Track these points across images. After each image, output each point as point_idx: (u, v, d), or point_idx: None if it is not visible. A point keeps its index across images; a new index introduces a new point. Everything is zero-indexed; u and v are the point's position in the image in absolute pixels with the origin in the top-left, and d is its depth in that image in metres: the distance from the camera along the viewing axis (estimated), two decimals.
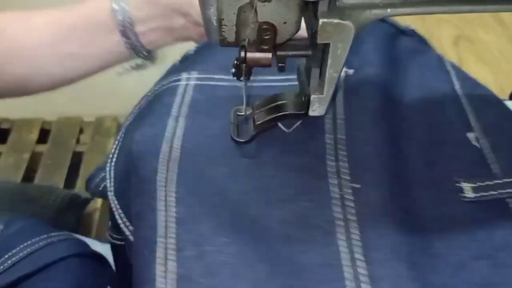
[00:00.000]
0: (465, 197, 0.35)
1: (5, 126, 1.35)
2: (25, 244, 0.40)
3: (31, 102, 0.63)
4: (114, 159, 0.42)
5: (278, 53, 0.35)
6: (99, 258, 0.46)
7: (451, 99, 0.43)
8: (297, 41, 0.35)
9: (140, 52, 0.50)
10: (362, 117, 0.40)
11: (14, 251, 0.39)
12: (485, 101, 0.43)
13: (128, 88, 0.82)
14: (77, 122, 1.36)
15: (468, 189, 0.36)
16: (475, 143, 0.39)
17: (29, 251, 0.39)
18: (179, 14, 0.48)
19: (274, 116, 0.38)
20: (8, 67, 0.49)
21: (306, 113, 0.37)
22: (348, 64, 0.44)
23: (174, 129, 0.39)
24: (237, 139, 0.38)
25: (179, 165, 0.36)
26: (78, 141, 1.33)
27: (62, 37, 0.49)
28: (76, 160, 1.25)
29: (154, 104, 0.43)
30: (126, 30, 0.48)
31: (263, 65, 0.34)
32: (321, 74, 0.35)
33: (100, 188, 0.43)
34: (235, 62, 0.35)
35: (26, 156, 1.25)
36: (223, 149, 0.38)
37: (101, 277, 0.39)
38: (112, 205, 0.39)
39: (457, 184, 0.36)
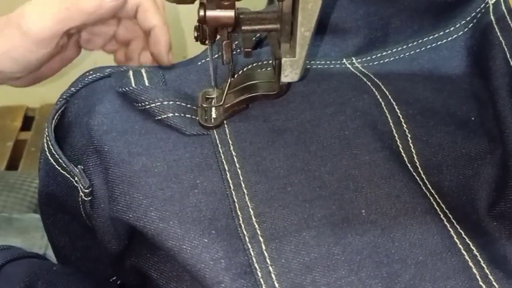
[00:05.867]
0: None
1: None
2: None
3: (14, 90, 0.58)
4: None
5: (244, 27, 0.31)
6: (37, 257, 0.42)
7: None
8: (264, 13, 0.31)
9: None
10: None
11: None
12: None
13: None
14: None
15: None
16: None
17: None
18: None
19: (243, 98, 0.34)
20: None
21: (278, 94, 0.34)
22: None
23: None
24: (205, 124, 0.34)
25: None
26: None
27: None
28: None
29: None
30: None
31: (226, 24, 0.30)
32: (292, 34, 0.31)
33: None
34: (197, 24, 0.31)
35: (10, 144, 1.21)
36: None
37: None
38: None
39: None
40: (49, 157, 0.35)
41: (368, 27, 0.40)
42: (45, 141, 0.36)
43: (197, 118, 0.34)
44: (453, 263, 0.28)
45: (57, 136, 0.37)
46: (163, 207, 0.30)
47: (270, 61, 0.36)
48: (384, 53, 0.39)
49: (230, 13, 0.29)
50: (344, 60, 0.39)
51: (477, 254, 0.28)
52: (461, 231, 0.29)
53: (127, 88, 0.35)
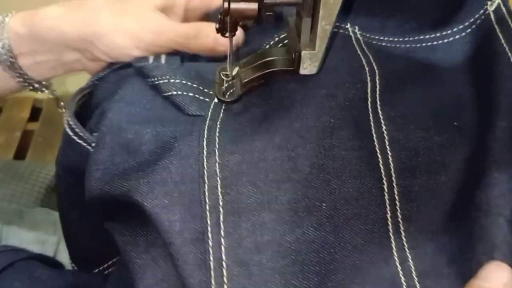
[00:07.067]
0: None
1: None
2: None
3: None
4: None
5: (266, 1, 0.31)
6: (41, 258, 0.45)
7: None
8: None
9: (31, 84, 0.46)
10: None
11: None
12: None
13: None
14: (68, 100, 1.33)
15: None
16: None
17: None
18: (71, 49, 0.44)
19: (261, 73, 0.35)
20: None
21: (296, 70, 0.34)
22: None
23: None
24: (223, 99, 0.35)
25: None
26: None
27: None
28: None
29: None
30: (7, 63, 0.43)
31: (249, 17, 0.31)
32: (313, 27, 0.32)
33: None
34: (219, 16, 0.32)
35: (18, 134, 1.22)
36: None
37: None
38: None
39: None
40: (67, 128, 0.37)
41: (367, 14, 0.40)
42: (66, 115, 0.38)
43: (203, 98, 0.35)
44: (384, 272, 0.29)
45: (84, 116, 0.38)
46: (137, 167, 0.32)
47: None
48: (382, 38, 0.39)
49: (254, 6, 0.30)
50: (349, 25, 0.38)
51: (412, 266, 0.29)
52: (405, 243, 0.30)
53: (142, 64, 0.37)
